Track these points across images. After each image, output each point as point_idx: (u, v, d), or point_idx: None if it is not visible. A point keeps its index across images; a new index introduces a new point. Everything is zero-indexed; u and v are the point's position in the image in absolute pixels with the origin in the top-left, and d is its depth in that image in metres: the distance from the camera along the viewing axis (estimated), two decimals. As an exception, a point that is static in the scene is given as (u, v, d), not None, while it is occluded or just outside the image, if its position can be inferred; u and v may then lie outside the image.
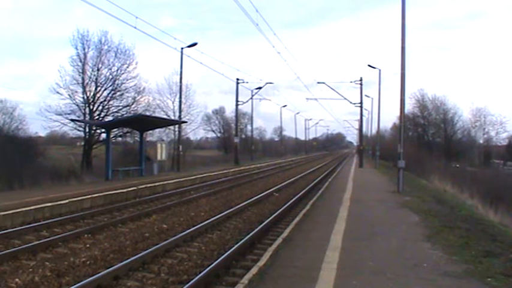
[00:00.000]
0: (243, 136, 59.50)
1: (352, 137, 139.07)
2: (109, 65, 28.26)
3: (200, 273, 6.58)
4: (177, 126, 30.59)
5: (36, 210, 11.44)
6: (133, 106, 29.41)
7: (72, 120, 26.89)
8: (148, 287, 6.32)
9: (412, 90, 71.30)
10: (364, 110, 44.00)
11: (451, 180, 26.85)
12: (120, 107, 29.10)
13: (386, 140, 57.62)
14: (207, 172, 26.66)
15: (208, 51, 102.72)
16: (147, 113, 28.59)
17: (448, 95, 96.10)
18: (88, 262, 7.40)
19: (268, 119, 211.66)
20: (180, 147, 29.40)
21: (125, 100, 29.10)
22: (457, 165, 45.02)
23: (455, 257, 7.06)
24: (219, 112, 63.79)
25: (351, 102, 41.57)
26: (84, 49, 27.74)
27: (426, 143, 54.58)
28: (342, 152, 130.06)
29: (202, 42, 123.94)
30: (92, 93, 27.82)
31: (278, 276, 5.99)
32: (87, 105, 27.61)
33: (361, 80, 38.97)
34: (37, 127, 74.31)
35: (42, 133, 37.43)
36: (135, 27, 18.14)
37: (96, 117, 27.81)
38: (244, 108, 74.98)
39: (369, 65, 36.21)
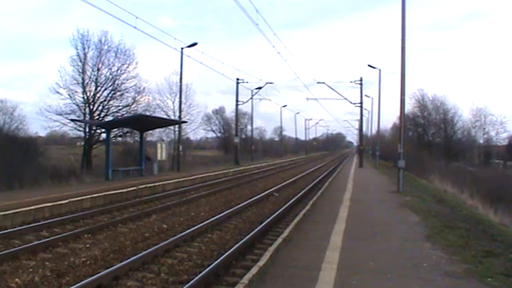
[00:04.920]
0: (243, 136, 59.53)
1: (352, 137, 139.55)
2: (109, 65, 28.36)
3: (200, 273, 6.57)
4: (177, 126, 30.58)
5: (36, 210, 11.43)
6: (133, 106, 29.52)
7: (72, 120, 26.93)
8: (148, 287, 6.31)
9: (412, 90, 71.44)
10: (364, 110, 44.01)
11: (451, 180, 26.87)
12: (120, 107, 29.18)
13: (386, 140, 57.60)
14: (207, 172, 26.65)
15: (208, 51, 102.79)
16: (147, 113, 28.63)
17: (448, 95, 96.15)
18: (88, 262, 7.39)
19: (268, 119, 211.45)
20: (180, 147, 29.40)
21: (124, 100, 29.22)
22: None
23: (455, 257, 7.06)
24: (219, 112, 63.92)
25: (351, 102, 41.69)
26: (84, 49, 27.85)
27: (426, 143, 54.60)
28: (342, 151, 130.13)
29: (202, 43, 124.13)
30: (92, 93, 27.88)
31: (278, 276, 5.99)
32: (87, 105, 27.65)
33: (361, 80, 39.02)
34: (37, 127, 74.42)
35: (42, 133, 37.58)
36: (135, 27, 18.17)
37: (96, 117, 27.83)
38: (244, 108, 75.16)
39: (369, 65, 36.26)
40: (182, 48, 26.83)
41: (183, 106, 31.04)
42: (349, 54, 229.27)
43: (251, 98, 44.94)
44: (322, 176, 27.25)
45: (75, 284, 5.97)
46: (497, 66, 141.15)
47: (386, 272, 6.17)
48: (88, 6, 50.68)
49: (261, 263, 6.49)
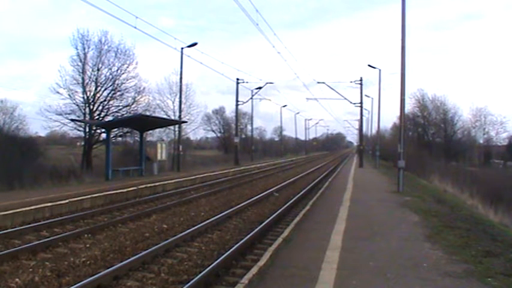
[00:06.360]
0: (243, 136, 59.49)
1: (352, 136, 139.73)
2: (109, 65, 28.31)
3: (200, 273, 6.57)
4: (177, 126, 30.58)
5: (36, 210, 11.43)
6: (133, 106, 29.46)
7: (72, 120, 26.91)
8: (148, 287, 6.31)
9: (412, 90, 71.50)
10: (364, 110, 44.02)
11: (451, 180, 26.86)
12: (120, 107, 29.14)
13: (386, 140, 57.65)
14: (207, 172, 26.65)
15: (208, 51, 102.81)
16: (147, 113, 28.59)
17: (448, 95, 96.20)
18: (88, 262, 7.39)
19: (268, 119, 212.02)
20: (180, 147, 29.39)
21: (124, 100, 29.17)
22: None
23: (455, 257, 7.06)
24: (219, 112, 63.88)
25: (351, 102, 41.70)
26: (84, 49, 27.80)
27: (426, 143, 54.60)
28: (342, 151, 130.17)
29: (202, 43, 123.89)
30: (92, 93, 27.85)
31: (278, 276, 5.99)
32: (87, 105, 27.62)
33: (361, 80, 39.04)
34: (37, 127, 74.50)
35: (42, 133, 37.56)
36: (135, 27, 18.18)
37: (96, 117, 27.81)
38: (244, 108, 75.18)
39: (369, 65, 36.24)
40: (182, 48, 26.85)
41: (183, 106, 31.06)
42: (349, 54, 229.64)
43: (251, 98, 45.01)
44: (322, 176, 27.24)
45: (75, 284, 5.97)
46: (497, 66, 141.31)
47: (386, 272, 6.17)
48: (88, 6, 50.74)
49: (261, 263, 6.49)
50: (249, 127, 62.82)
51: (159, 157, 26.07)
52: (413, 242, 8.25)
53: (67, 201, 12.74)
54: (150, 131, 30.85)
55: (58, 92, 27.10)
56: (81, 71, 27.60)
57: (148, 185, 17.68)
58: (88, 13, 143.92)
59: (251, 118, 58.17)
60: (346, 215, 11.32)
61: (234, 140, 41.86)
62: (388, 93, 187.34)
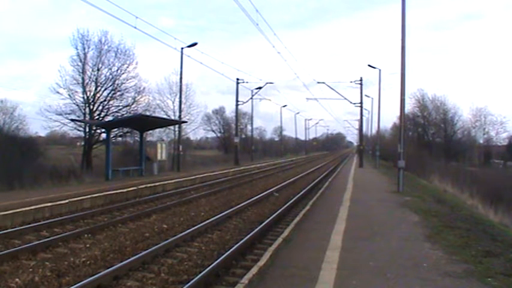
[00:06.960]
0: (243, 136, 59.49)
1: (352, 136, 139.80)
2: (109, 65, 28.29)
3: (200, 273, 6.58)
4: (177, 126, 30.58)
5: (36, 210, 11.43)
6: (133, 106, 29.45)
7: (72, 120, 26.90)
8: (148, 287, 6.31)
9: (412, 90, 71.53)
10: (364, 110, 44.01)
11: (451, 180, 26.86)
12: (120, 107, 29.13)
13: (386, 140, 57.64)
14: (207, 172, 26.65)
15: (208, 51, 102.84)
16: (147, 113, 28.58)
17: (448, 95, 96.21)
18: (88, 262, 7.39)
19: (268, 119, 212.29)
20: (180, 147, 29.39)
21: (124, 100, 29.15)
22: None
23: (455, 257, 7.06)
24: (219, 112, 63.87)
25: (351, 102, 41.70)
26: (84, 49, 27.79)
27: (426, 143, 54.60)
28: (342, 151, 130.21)
29: (202, 43, 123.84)
30: (92, 93, 27.84)
31: (278, 276, 5.99)
32: (87, 105, 27.62)
33: (361, 80, 39.03)
34: (37, 127, 74.48)
35: (42, 133, 37.54)
36: (135, 27, 18.18)
37: (96, 117, 27.80)
38: (244, 108, 75.17)
39: (369, 65, 36.22)
40: (182, 48, 26.85)
41: (183, 106, 31.05)
42: (349, 54, 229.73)
43: (251, 98, 45.01)
44: (322, 176, 27.25)
45: (75, 284, 5.97)
46: (497, 66, 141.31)
47: (386, 272, 6.17)
48: (88, 6, 51.23)
49: (261, 263, 6.49)
50: (249, 127, 62.90)
51: (159, 157, 26.07)
52: (413, 242, 8.25)
53: (67, 201, 12.74)
54: (150, 131, 30.84)
55: (58, 92, 27.13)
56: (81, 71, 27.61)
57: (148, 185, 17.68)
58: (88, 13, 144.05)
59: (251, 118, 58.26)
60: (346, 215, 11.32)
61: (234, 140, 41.85)
62: (388, 93, 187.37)
